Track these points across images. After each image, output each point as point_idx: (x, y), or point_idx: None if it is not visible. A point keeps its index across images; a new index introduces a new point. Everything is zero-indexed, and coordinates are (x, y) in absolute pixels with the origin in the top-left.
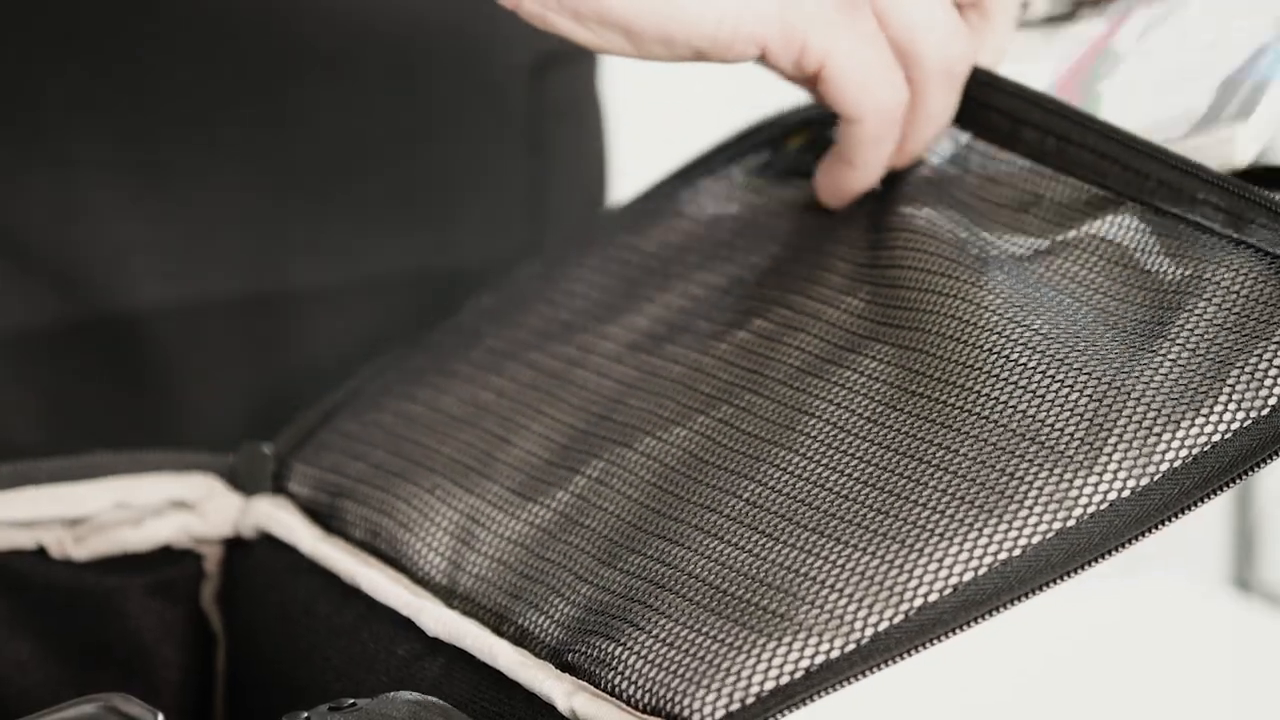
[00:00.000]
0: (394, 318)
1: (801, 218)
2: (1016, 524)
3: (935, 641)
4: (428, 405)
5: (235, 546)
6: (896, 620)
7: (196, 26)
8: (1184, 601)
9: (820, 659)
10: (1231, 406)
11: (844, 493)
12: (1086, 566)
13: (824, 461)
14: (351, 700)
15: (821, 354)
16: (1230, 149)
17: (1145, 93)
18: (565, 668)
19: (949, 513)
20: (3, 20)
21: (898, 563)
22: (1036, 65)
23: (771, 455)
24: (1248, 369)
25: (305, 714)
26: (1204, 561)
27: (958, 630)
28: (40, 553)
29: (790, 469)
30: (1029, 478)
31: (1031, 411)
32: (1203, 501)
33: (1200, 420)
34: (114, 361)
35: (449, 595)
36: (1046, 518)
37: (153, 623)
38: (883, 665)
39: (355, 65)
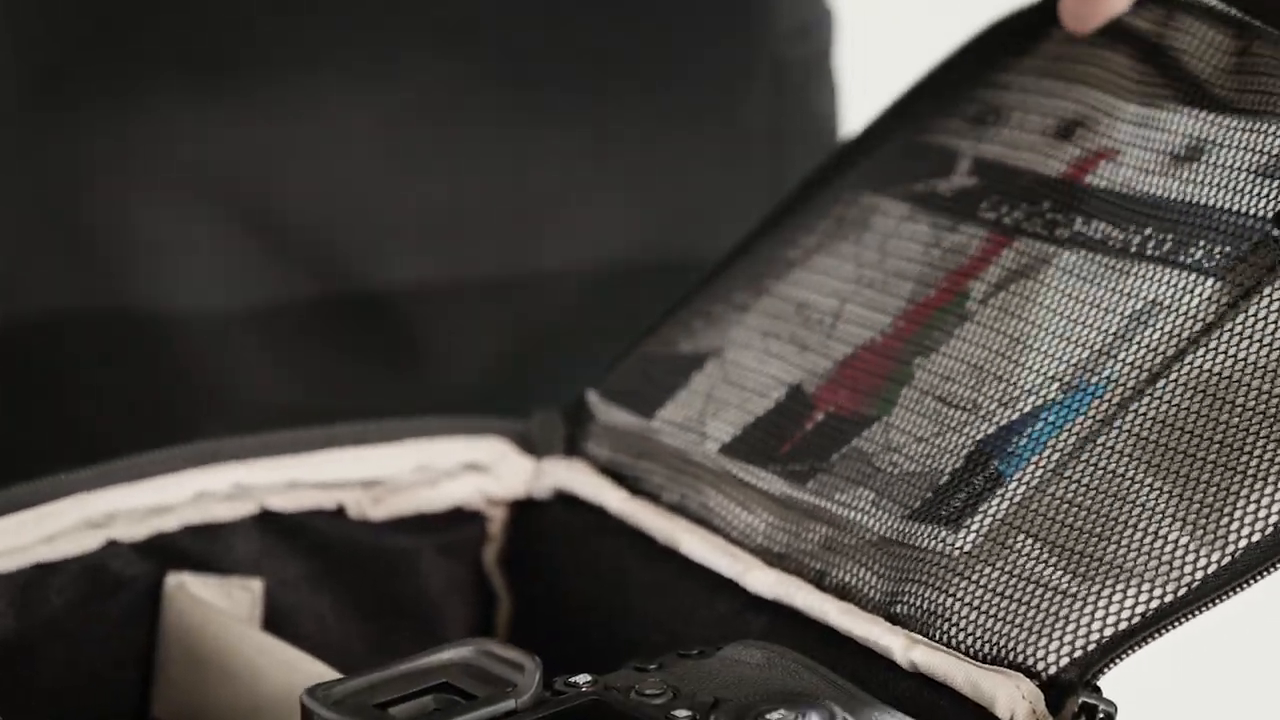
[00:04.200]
0: (634, 292)
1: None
2: None
3: (1255, 581)
4: (719, 361)
5: (525, 508)
6: (1223, 563)
7: (451, 6)
8: None
9: (1155, 604)
10: None
11: (1159, 440)
12: None
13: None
14: (700, 648)
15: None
16: None
17: None
18: (894, 620)
19: (1261, 454)
20: (265, 5)
21: (1219, 506)
22: None
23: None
24: None
25: (655, 663)
26: None
27: (1274, 569)
28: (339, 512)
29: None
30: None
31: None
32: None
33: None
34: (366, 336)
35: (767, 555)
36: None
37: (442, 581)
38: (1210, 607)
39: (610, 46)
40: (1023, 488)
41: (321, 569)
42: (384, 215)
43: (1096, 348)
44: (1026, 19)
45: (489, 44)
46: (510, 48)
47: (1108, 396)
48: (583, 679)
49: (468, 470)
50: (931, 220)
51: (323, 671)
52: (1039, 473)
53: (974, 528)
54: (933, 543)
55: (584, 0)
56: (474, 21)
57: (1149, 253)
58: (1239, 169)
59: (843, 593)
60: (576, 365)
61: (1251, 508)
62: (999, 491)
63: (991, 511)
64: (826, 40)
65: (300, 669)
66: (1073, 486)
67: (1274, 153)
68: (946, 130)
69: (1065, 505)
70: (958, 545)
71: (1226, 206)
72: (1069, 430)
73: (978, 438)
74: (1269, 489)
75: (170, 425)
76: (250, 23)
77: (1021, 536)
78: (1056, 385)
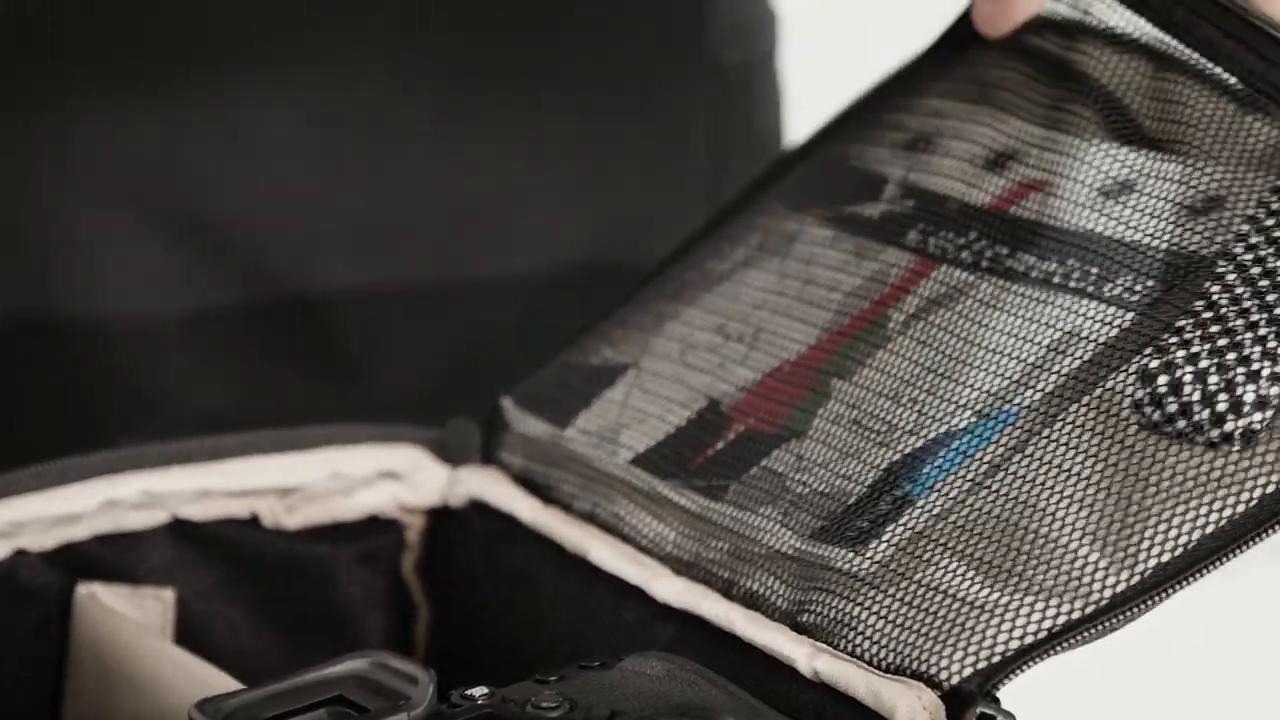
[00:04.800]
0: (572, 299)
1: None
2: (1245, 483)
3: (1162, 600)
4: (637, 372)
5: (441, 517)
6: (1132, 582)
7: (386, 10)
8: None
9: (1062, 619)
10: None
11: (1071, 466)
12: None
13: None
14: (601, 660)
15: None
16: None
17: None
18: (801, 629)
19: (1171, 477)
20: (197, 7)
21: (1131, 524)
22: None
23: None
24: None
25: (555, 675)
26: None
27: (1180, 588)
28: (253, 521)
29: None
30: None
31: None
32: None
33: None
34: (301, 342)
35: (675, 563)
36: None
37: (360, 591)
38: (1116, 625)
39: (546, 48)
40: (931, 510)
41: (235, 578)
42: (318, 220)
43: (1012, 377)
44: (955, 40)
45: (424, 48)
46: (445, 52)
47: (1021, 424)
48: (479, 691)
49: (383, 478)
50: (856, 243)
51: (229, 685)
52: (949, 496)
53: (878, 549)
54: (837, 563)
55: (519, 4)
56: (409, 26)
57: (1072, 285)
58: (1165, 202)
59: (750, 601)
60: (514, 372)
61: (1163, 527)
62: (906, 513)
63: (897, 533)
64: (769, 43)
65: (206, 683)
66: (983, 508)
67: (1198, 188)
68: (875, 153)
69: (976, 523)
70: (861, 566)
71: (1151, 242)
72: (979, 458)
73: (889, 461)
74: (1180, 509)
75: (98, 432)
76: (183, 27)
77: (931, 550)
78: (969, 412)
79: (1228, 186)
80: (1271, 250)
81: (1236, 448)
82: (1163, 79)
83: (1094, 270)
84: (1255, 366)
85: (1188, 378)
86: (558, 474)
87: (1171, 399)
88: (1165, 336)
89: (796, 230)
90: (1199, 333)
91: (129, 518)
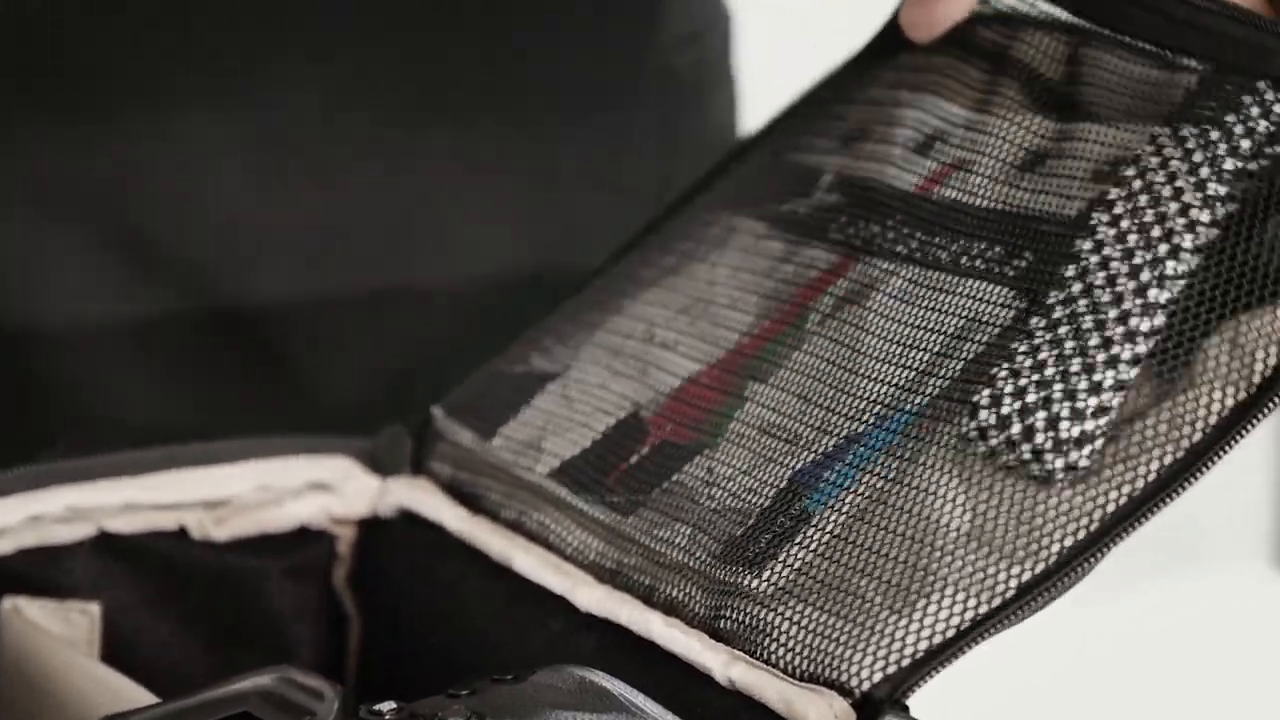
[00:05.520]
0: (513, 308)
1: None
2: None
3: (1071, 583)
4: (564, 381)
5: (371, 527)
6: (1037, 570)
7: (324, 23)
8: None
9: (970, 614)
10: None
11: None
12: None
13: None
14: (515, 673)
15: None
16: None
17: None
18: (718, 635)
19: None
20: (134, 23)
21: (1031, 509)
22: None
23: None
24: None
25: (468, 689)
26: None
27: (1090, 564)
28: (181, 534)
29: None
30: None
31: None
32: None
33: None
34: (239, 353)
35: (599, 571)
36: (1169, 434)
37: (289, 603)
38: (1026, 616)
39: (485, 56)
40: (835, 519)
41: (164, 591)
42: (257, 233)
43: (917, 368)
44: (893, 33)
45: (361, 57)
46: (383, 63)
47: (928, 416)
48: (387, 706)
49: (313, 489)
50: (784, 240)
51: (148, 700)
52: (852, 502)
53: (776, 571)
54: (742, 584)
55: (459, 9)
56: (345, 35)
57: (980, 267)
58: (1072, 177)
59: (670, 608)
60: (455, 382)
61: (1062, 518)
62: (803, 531)
63: (795, 553)
64: (722, 46)
65: (127, 698)
66: (881, 521)
67: (1101, 159)
68: (814, 148)
69: (875, 538)
70: (760, 588)
71: (1054, 215)
72: (886, 453)
73: (793, 471)
74: (1076, 492)
75: (37, 447)
76: (123, 44)
77: (832, 565)
78: (875, 410)
79: (1130, 148)
80: (1119, 253)
81: (1061, 483)
82: (1068, 53)
83: (999, 249)
84: (1083, 388)
85: (1010, 409)
86: (484, 483)
87: (995, 433)
88: (1016, 344)
89: (729, 232)
90: (1035, 348)
91: (54, 532)
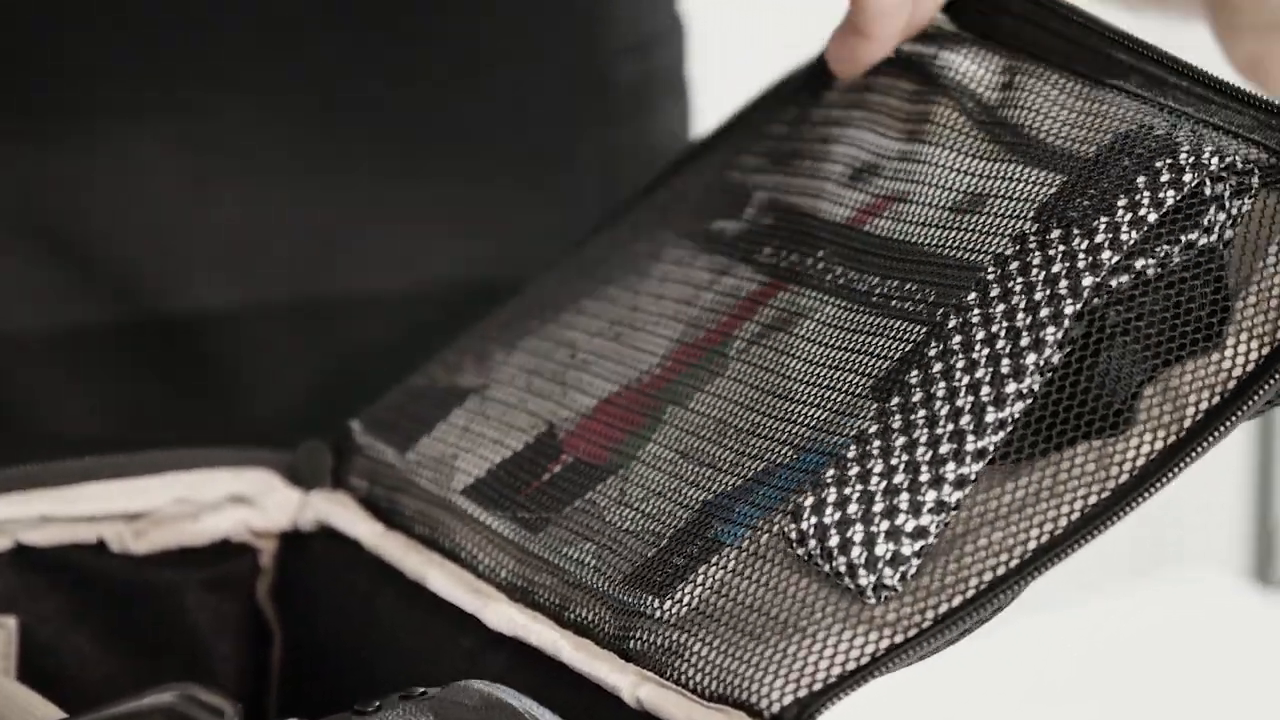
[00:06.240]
0: (449, 321)
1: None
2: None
3: (992, 613)
4: (481, 397)
5: (292, 541)
6: (955, 602)
7: (255, 27)
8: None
9: (885, 643)
10: None
11: None
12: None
13: None
14: (423, 689)
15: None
16: None
17: None
18: (628, 656)
19: (1005, 498)
20: (61, 33)
21: (950, 547)
22: None
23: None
24: None
25: (377, 703)
26: (1225, 557)
27: (1011, 597)
28: (100, 547)
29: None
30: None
31: None
32: None
33: None
34: (170, 362)
35: (511, 590)
36: (1096, 473)
37: (210, 617)
38: (944, 646)
39: (421, 63)
40: (745, 549)
41: (82, 605)
42: (187, 241)
43: (835, 409)
44: (823, 63)
45: (294, 67)
46: (315, 70)
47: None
48: None
49: (233, 503)
50: (711, 261)
51: (57, 715)
52: (761, 540)
53: (688, 591)
54: (646, 610)
55: (395, 18)
56: (277, 42)
57: (907, 308)
58: (1008, 218)
59: (580, 629)
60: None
61: (983, 553)
62: (714, 557)
63: (709, 573)
64: (674, 57)
65: (36, 715)
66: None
67: (1040, 201)
68: (745, 169)
69: (786, 568)
70: (671, 609)
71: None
72: (796, 491)
73: (707, 497)
74: (1000, 528)
75: None
76: (54, 49)
77: (749, 578)
78: (789, 449)
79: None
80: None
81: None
82: (1003, 82)
83: (932, 292)
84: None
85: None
86: (401, 498)
87: (814, 543)
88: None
89: (658, 249)
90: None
91: None
